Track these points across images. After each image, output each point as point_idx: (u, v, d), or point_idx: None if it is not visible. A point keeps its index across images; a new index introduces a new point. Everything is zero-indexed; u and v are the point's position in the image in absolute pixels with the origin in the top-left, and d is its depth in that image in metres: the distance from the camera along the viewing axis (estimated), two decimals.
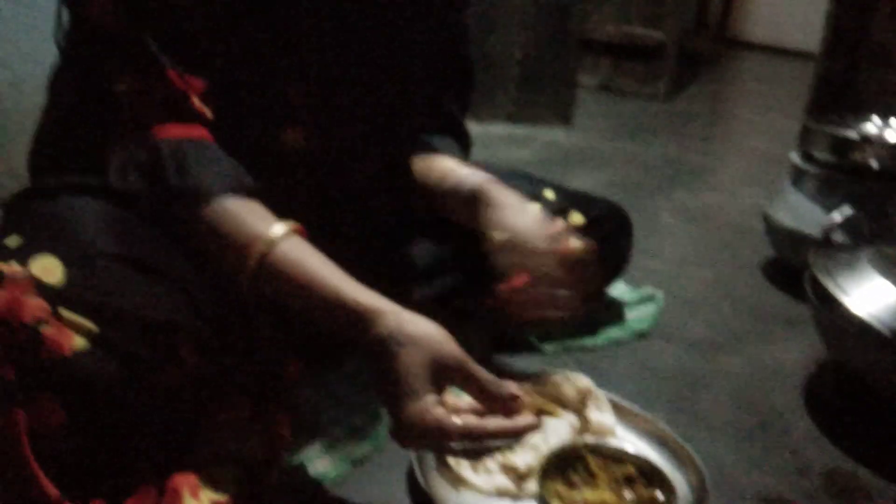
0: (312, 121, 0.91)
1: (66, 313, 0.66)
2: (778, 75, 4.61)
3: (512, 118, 2.85)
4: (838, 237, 1.49)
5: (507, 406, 0.76)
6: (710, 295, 1.58)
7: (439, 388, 0.75)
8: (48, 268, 0.68)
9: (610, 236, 1.26)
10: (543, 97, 2.87)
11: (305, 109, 0.90)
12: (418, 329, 0.75)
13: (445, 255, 1.19)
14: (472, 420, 0.74)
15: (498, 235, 1.00)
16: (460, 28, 1.14)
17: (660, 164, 2.52)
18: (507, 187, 1.06)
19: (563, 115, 2.90)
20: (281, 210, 0.81)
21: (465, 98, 1.20)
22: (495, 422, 0.75)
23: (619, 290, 1.49)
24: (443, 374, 0.75)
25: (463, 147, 1.18)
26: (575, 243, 1.00)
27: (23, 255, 0.68)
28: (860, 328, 1.11)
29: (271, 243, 0.77)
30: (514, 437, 0.76)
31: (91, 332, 0.67)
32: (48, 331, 0.65)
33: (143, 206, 0.77)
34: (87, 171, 0.80)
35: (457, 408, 0.76)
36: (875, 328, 1.09)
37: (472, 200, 1.04)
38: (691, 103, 3.53)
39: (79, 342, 0.66)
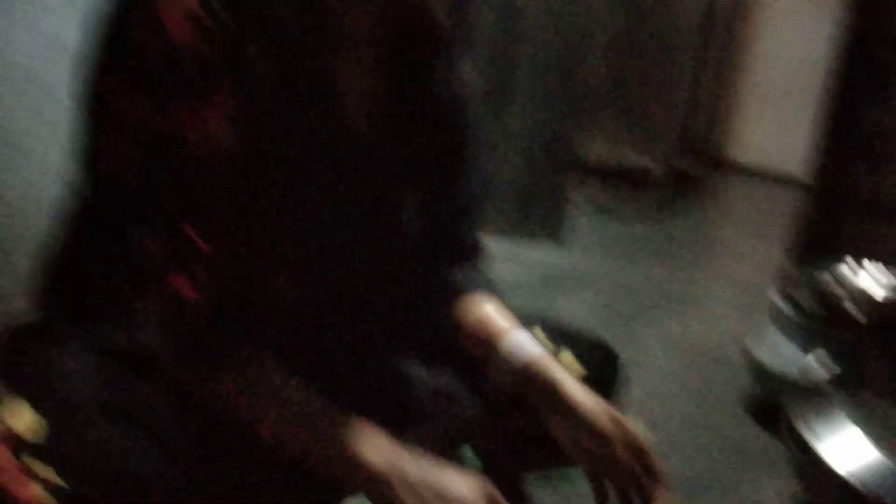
0: (305, 270, 0.95)
1: (33, 464, 0.68)
2: (763, 198, 4.74)
3: (504, 235, 2.93)
4: (815, 382, 1.54)
5: None
6: (691, 430, 1.61)
7: None
8: (20, 415, 0.71)
9: (599, 375, 1.29)
10: (534, 216, 2.97)
11: (298, 260, 0.94)
12: None
13: (456, 389, 1.21)
14: None
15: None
16: (466, 160, 1.17)
17: (647, 289, 2.59)
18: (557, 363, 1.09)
19: (554, 234, 2.98)
20: (280, 357, 0.85)
21: (476, 219, 1.23)
22: None
23: None
24: None
25: (491, 283, 1.21)
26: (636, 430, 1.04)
27: None
28: (833, 479, 1.15)
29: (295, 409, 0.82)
30: None
31: (58, 487, 0.69)
32: (7, 481, 0.67)
33: (165, 364, 0.81)
34: (85, 314, 0.84)
35: None
36: (845, 480, 1.13)
37: (525, 375, 1.07)
38: (679, 225, 3.64)
39: (41, 497, 0.68)
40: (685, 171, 4.69)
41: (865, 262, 1.74)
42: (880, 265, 1.73)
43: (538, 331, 1.30)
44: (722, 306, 2.59)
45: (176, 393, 0.83)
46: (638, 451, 1.02)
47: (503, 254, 2.74)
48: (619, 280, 2.65)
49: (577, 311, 2.25)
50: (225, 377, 0.84)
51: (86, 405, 0.76)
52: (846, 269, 1.72)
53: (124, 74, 0.77)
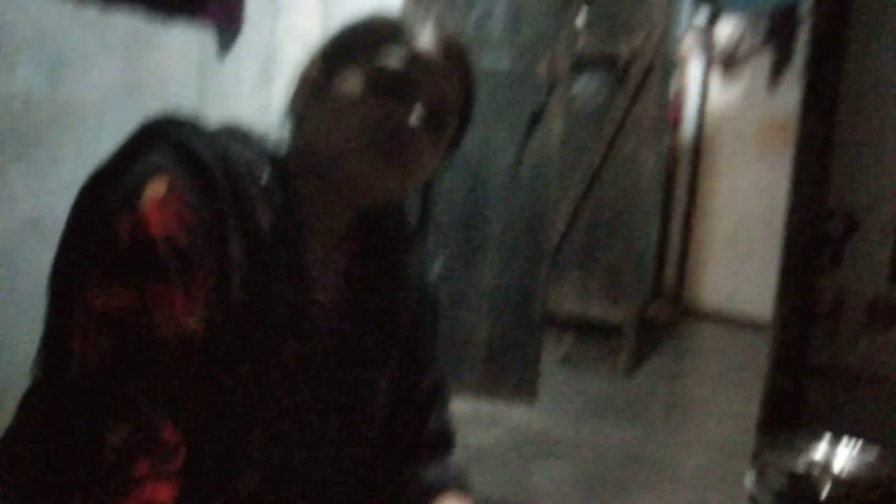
0: (269, 466, 0.93)
1: None
2: (732, 346, 4.80)
3: (477, 395, 2.92)
4: None
5: None
6: None
7: None
8: None
9: None
10: (508, 376, 2.96)
11: (263, 455, 0.93)
12: None
13: None
14: None
15: None
16: (428, 351, 1.17)
17: (621, 456, 2.56)
18: None
19: (527, 394, 2.97)
20: None
21: (445, 406, 1.22)
22: None
23: None
24: None
25: (460, 478, 1.19)
26: None
27: None
28: None
29: None
30: None
31: None
32: None
33: None
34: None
35: None
36: None
37: None
38: (651, 379, 3.64)
39: None
40: (654, 319, 4.76)
41: (834, 435, 1.74)
42: (851, 439, 1.73)
43: None
44: (698, 474, 2.56)
45: None
46: None
47: (479, 416, 2.72)
48: (593, 445, 2.62)
49: (549, 481, 2.21)
50: None
51: None
52: (816, 449, 1.72)
53: (100, 261, 0.78)
